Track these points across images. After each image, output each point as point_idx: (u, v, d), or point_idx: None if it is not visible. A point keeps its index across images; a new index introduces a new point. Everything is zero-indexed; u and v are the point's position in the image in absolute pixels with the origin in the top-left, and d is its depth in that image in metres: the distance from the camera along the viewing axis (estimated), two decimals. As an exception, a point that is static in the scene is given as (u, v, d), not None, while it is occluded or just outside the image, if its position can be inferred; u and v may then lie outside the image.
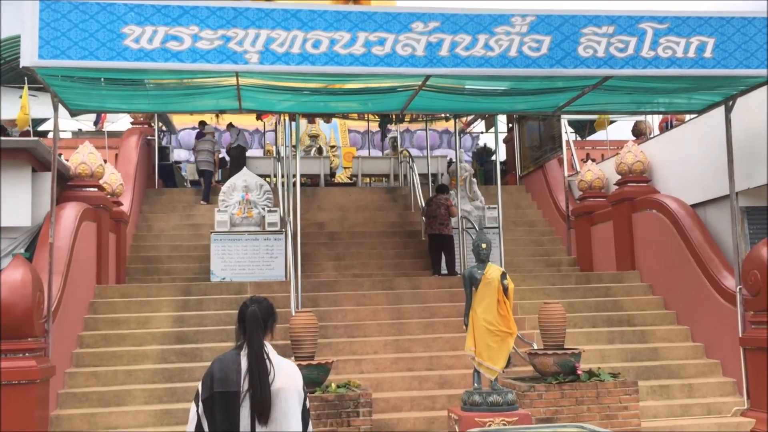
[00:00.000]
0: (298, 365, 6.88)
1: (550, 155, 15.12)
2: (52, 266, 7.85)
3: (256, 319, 3.39)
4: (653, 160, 11.62)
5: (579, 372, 7.30)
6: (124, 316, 9.65)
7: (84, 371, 8.57)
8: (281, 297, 10.15)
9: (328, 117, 20.71)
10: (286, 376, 3.33)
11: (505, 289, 6.14)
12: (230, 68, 7.04)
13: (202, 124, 16.55)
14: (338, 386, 7.39)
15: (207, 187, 14.76)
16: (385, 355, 9.17)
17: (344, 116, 22.70)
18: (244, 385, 3.22)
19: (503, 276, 6.18)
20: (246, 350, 3.31)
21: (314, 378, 7.09)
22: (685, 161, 10.79)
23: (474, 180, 13.60)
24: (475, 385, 6.19)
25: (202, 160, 15.12)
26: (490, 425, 5.67)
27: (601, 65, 7.63)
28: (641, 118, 17.72)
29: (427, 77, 7.75)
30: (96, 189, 10.50)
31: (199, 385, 3.36)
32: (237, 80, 7.70)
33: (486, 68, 7.38)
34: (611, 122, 17.41)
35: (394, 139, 19.57)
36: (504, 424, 5.70)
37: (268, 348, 3.42)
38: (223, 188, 12.54)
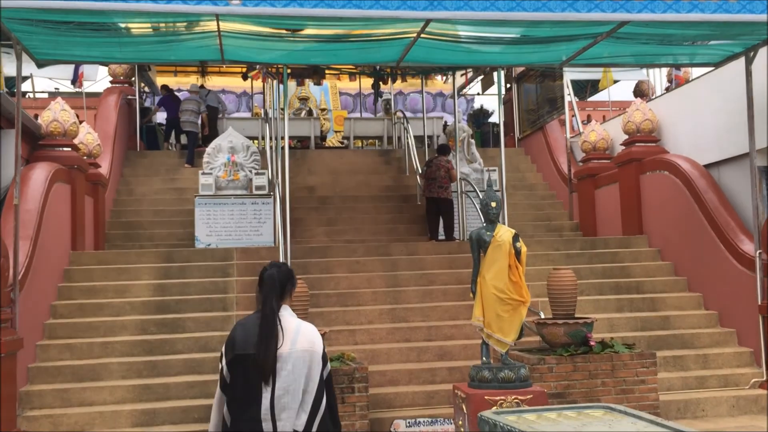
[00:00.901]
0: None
1: (547, 118, 14.46)
2: (17, 230, 7.19)
3: (273, 282, 3.43)
4: (662, 119, 10.99)
5: (592, 343, 6.74)
6: (102, 284, 9.01)
7: (57, 344, 7.96)
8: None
9: (318, 78, 19.93)
10: (303, 340, 3.34)
11: (518, 253, 5.53)
12: (209, 10, 6.29)
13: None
14: (331, 359, 6.81)
15: (191, 149, 14.06)
16: (381, 325, 8.60)
17: (338, 75, 21.97)
18: (257, 348, 3.27)
19: (515, 238, 5.57)
20: (261, 314, 3.36)
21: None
22: (698, 119, 10.16)
23: (472, 141, 12.95)
24: (484, 359, 5.61)
25: (186, 120, 14.39)
26: (501, 404, 5.11)
27: (617, 9, 6.93)
28: (644, 77, 17.03)
29: (427, 22, 7.07)
30: (70, 149, 9.79)
31: (223, 348, 3.43)
32: (218, 25, 6.98)
33: (492, 12, 6.67)
34: (615, 82, 16.73)
35: (387, 101, 18.83)
36: (517, 403, 5.15)
37: (287, 311, 3.45)
38: (208, 149, 11.84)
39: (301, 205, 12.71)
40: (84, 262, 9.44)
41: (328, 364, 3.49)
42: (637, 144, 10.89)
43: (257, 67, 12.75)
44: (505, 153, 15.43)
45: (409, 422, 7.06)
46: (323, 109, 21.73)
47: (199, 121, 14.60)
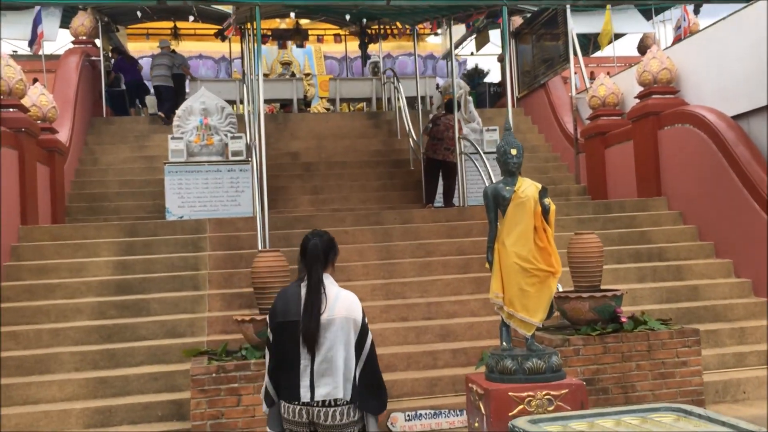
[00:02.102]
0: (262, 320, 5.23)
1: (549, 74, 13.35)
2: (-58, 200, 6.07)
3: (317, 251, 3.46)
4: (681, 68, 9.90)
5: (623, 319, 5.72)
6: (54, 262, 7.91)
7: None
8: (247, 236, 8.47)
9: (300, 39, 18.73)
10: (342, 308, 3.36)
11: (546, 212, 4.46)
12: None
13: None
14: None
15: (167, 106, 12.90)
16: (374, 303, 7.56)
17: (322, 37, 20.73)
18: (302, 315, 3.31)
19: (542, 193, 4.48)
20: (305, 282, 3.39)
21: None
22: (722, 66, 9.08)
23: (470, 99, 11.83)
24: (504, 344, 4.56)
25: (158, 75, 13.22)
26: (530, 401, 4.07)
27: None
28: (650, 28, 15.91)
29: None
30: (16, 109, 8.60)
31: (268, 317, 3.50)
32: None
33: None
34: (619, 36, 15.62)
35: (375, 64, 17.63)
36: (549, 400, 4.11)
37: (329, 280, 3.48)
38: (178, 112, 10.67)
39: (283, 173, 11.64)
40: (35, 237, 8.31)
41: (369, 334, 3.45)
42: (654, 96, 9.81)
43: (230, 19, 11.53)
44: (502, 114, 14.45)
45: (408, 415, 6.06)
46: (307, 74, 20.54)
47: (170, 74, 13.44)
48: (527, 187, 4.53)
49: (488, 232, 4.64)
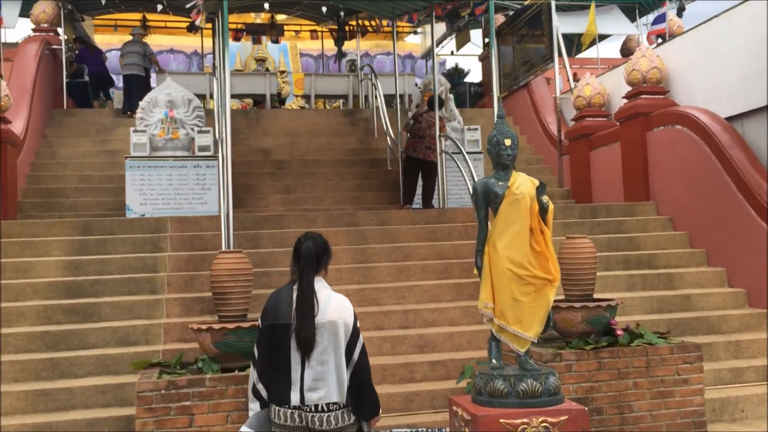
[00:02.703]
0: (221, 329, 4.66)
1: (525, 79, 12.92)
2: None
3: (310, 255, 3.42)
4: (672, 67, 9.50)
5: (618, 332, 5.23)
6: (-1, 262, 7.25)
7: (-68, 338, 6.21)
8: (211, 236, 7.87)
9: (275, 34, 18.13)
10: (333, 311, 3.33)
11: (543, 211, 3.95)
12: None
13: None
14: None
15: (137, 96, 12.22)
16: (347, 310, 6.98)
17: (298, 33, 20.16)
18: (293, 318, 3.28)
19: (540, 189, 3.97)
20: (297, 285, 3.36)
21: (246, 347, 4.88)
22: (716, 65, 8.68)
23: (451, 96, 11.34)
24: (494, 361, 4.02)
25: (130, 64, 12.54)
26: (524, 429, 3.53)
27: None
28: (634, 30, 15.58)
29: None
30: (-39, 96, 7.93)
31: (259, 317, 3.43)
32: None
33: None
34: (603, 37, 15.26)
35: (352, 62, 17.10)
36: (546, 428, 3.58)
37: (321, 283, 3.44)
38: (142, 104, 10.04)
39: (253, 170, 11.07)
40: (-21, 234, 7.64)
41: (360, 338, 3.41)
42: (642, 96, 9.39)
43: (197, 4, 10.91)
44: (483, 114, 14.00)
45: (382, 434, 5.50)
46: (282, 72, 19.96)
47: (142, 63, 12.77)
48: (522, 183, 4.02)
49: (477, 234, 4.12)
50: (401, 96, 13.43)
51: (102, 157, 11.12)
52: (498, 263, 3.96)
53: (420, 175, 9.93)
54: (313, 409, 3.20)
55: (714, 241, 8.15)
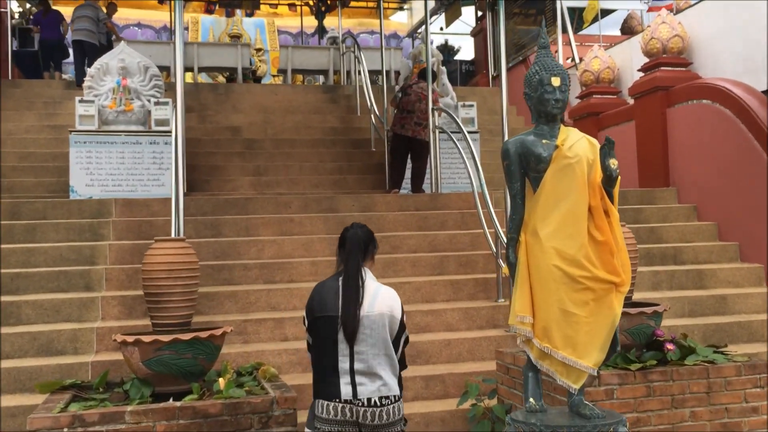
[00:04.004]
0: (152, 342, 3.46)
1: (525, 53, 11.78)
2: None
3: (358, 241, 3.34)
4: (695, 36, 8.38)
5: (669, 347, 4.09)
6: None
7: None
8: (163, 221, 6.64)
9: (250, 5, 16.83)
10: (383, 304, 3.22)
11: (609, 181, 2.75)
12: None
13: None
14: (237, 377, 4.03)
15: (89, 64, 10.93)
16: (323, 312, 5.81)
17: (275, 6, 18.87)
18: (341, 309, 3.16)
19: (606, 150, 2.75)
20: (343, 275, 3.26)
21: (186, 366, 3.69)
22: (748, 32, 7.58)
23: (443, 69, 10.14)
24: (531, 401, 2.83)
25: (81, 29, 11.19)
26: None
27: None
28: (639, 6, 14.48)
29: None
30: None
31: (305, 311, 3.33)
32: None
33: None
34: (606, 12, 14.17)
35: (334, 39, 15.85)
36: None
37: (368, 274, 3.35)
38: (91, 71, 8.76)
39: (221, 150, 9.84)
40: None
41: (407, 332, 3.34)
42: (662, 68, 8.26)
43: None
44: (476, 93, 12.84)
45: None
46: (259, 49, 18.68)
47: (94, 29, 11.42)
48: (577, 141, 2.85)
49: (510, 215, 2.95)
50: (387, 72, 12.22)
51: (48, 132, 9.82)
52: (541, 258, 2.79)
53: (409, 155, 8.73)
54: (365, 403, 3.08)
55: (748, 233, 7.06)
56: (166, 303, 3.87)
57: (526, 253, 2.88)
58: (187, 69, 12.66)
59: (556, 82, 2.84)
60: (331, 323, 3.15)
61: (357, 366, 3.11)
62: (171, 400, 3.54)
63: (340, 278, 3.26)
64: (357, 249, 3.30)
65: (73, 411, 3.33)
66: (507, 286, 6.08)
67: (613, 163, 2.75)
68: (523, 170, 2.88)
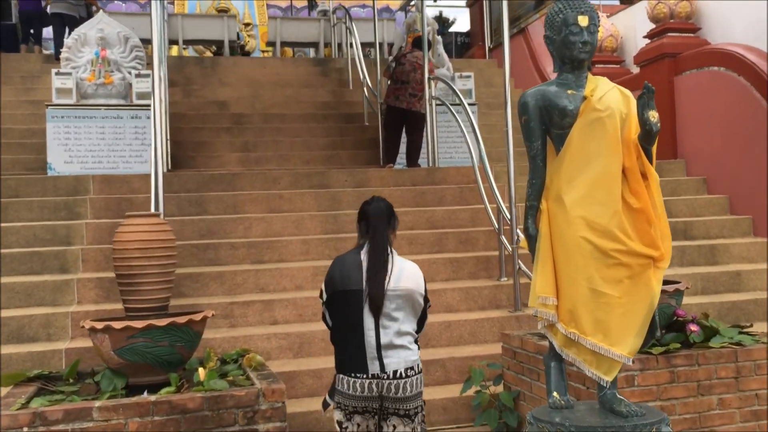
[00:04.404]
0: (124, 328, 3.10)
1: (521, 23, 11.34)
2: None
3: (381, 213, 3.25)
4: (703, 2, 7.98)
5: (692, 328, 3.74)
6: None
7: None
8: (144, 199, 6.25)
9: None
10: (409, 279, 3.14)
11: (648, 137, 2.35)
12: None
13: None
14: (220, 365, 3.67)
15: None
16: (314, 293, 5.46)
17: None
18: (366, 283, 3.07)
19: (644, 102, 2.33)
20: (367, 247, 3.16)
21: (163, 355, 3.32)
22: (762, -5, 7.19)
23: (439, 39, 9.70)
24: (555, 395, 2.47)
25: (60, 1, 10.68)
26: None
27: None
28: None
29: None
30: None
31: (322, 285, 3.24)
32: None
33: None
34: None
35: (324, 12, 15.35)
36: None
37: (391, 247, 3.25)
38: (68, 41, 8.31)
39: (207, 125, 9.41)
40: None
41: (428, 303, 3.26)
42: (669, 34, 7.87)
43: None
44: (472, 65, 12.39)
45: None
46: (247, 24, 18.19)
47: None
48: (609, 92, 2.47)
49: (529, 179, 2.57)
50: (380, 45, 11.76)
51: (25, 108, 9.37)
52: (566, 230, 2.41)
53: (404, 129, 8.33)
54: (391, 375, 3.01)
55: (761, 207, 6.72)
56: (140, 285, 3.49)
57: (548, 224, 2.50)
58: (172, 42, 12.21)
59: (583, 21, 2.46)
60: (356, 298, 3.06)
61: (383, 340, 3.03)
62: (146, 393, 3.17)
63: (362, 252, 3.15)
64: (382, 221, 3.19)
65: (35, 408, 2.96)
66: (510, 263, 5.73)
67: (653, 115, 2.36)
68: (545, 127, 2.50)
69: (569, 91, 2.49)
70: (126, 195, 6.36)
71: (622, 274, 2.42)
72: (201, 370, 3.25)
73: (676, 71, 7.74)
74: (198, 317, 3.40)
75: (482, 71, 11.88)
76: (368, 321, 3.04)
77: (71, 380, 3.64)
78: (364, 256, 3.14)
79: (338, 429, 3.12)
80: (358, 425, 3.07)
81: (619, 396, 2.51)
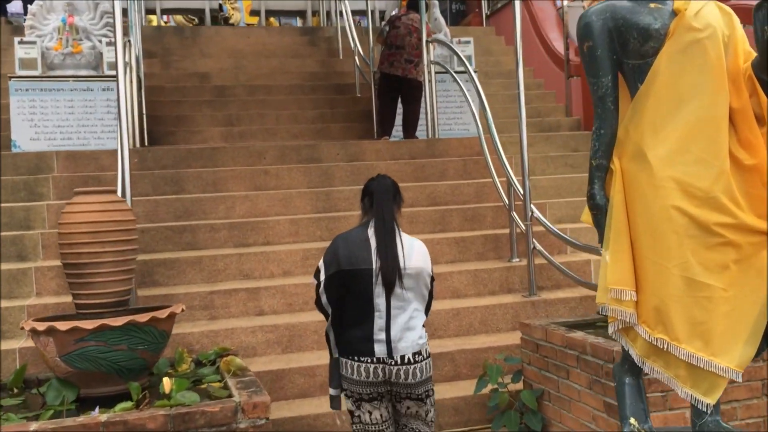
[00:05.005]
0: (72, 329, 2.49)
1: None
2: None
3: (387, 188, 3.09)
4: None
5: None
6: None
7: None
8: (113, 176, 5.56)
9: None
10: (418, 258, 2.97)
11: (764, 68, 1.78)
12: None
13: None
14: (195, 367, 3.09)
15: None
16: (305, 279, 4.88)
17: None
18: (376, 261, 2.87)
19: (764, 14, 1.77)
20: (374, 224, 2.98)
21: (120, 361, 2.73)
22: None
23: (435, 2, 9.04)
24: (633, 422, 1.83)
25: None
26: None
27: None
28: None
29: None
30: None
31: (320, 263, 2.97)
32: None
33: None
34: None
35: (312, -19, 14.60)
36: None
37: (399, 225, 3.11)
38: (32, 8, 7.62)
39: (188, 98, 8.76)
40: None
41: (434, 283, 3.09)
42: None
43: None
44: (469, 33, 11.75)
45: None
46: (231, -4, 17.42)
47: None
48: (705, 5, 1.85)
49: (594, 130, 1.95)
50: (372, 12, 11.07)
51: (-11, 82, 8.67)
52: (651, 197, 1.79)
53: (400, 98, 7.69)
54: (399, 361, 2.84)
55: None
56: (92, 277, 2.88)
57: (623, 190, 1.89)
58: (150, 12, 11.52)
59: None
60: (365, 277, 2.87)
61: (393, 322, 2.87)
62: (97, 409, 2.57)
63: (369, 229, 2.97)
64: (388, 198, 3.03)
65: (-46, 432, 2.36)
66: (522, 242, 5.16)
67: (777, 34, 1.75)
68: (616, 56, 1.88)
69: (652, 5, 1.86)
70: (93, 173, 5.74)
71: (729, 257, 1.80)
72: (166, 380, 2.66)
73: (695, 31, 7.13)
74: (163, 314, 2.81)
75: (479, 39, 11.21)
76: (378, 302, 2.87)
77: (15, 390, 3.05)
78: (371, 232, 2.93)
79: (351, 419, 2.93)
80: (370, 413, 2.87)
81: (723, 424, 1.91)
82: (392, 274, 2.84)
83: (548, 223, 4.86)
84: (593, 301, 4.81)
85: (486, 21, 12.04)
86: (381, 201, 3.00)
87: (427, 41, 7.33)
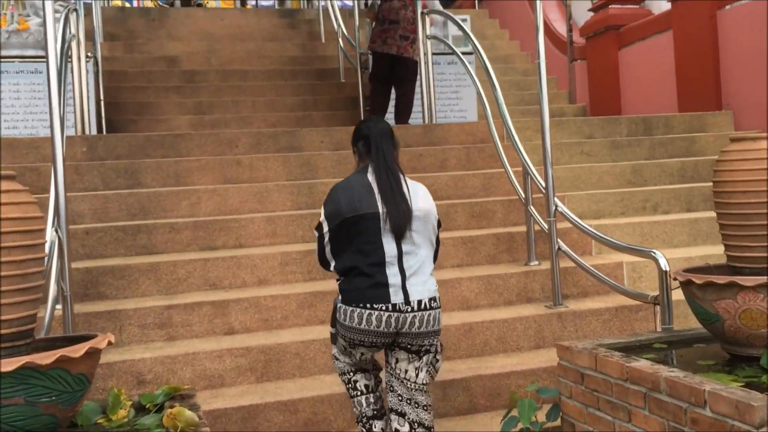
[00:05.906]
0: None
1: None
2: None
3: (385, 131, 2.92)
4: None
5: None
6: None
7: None
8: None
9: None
10: (424, 200, 2.84)
11: None
12: None
13: None
14: (135, 415, 2.25)
15: None
16: (285, 289, 4.03)
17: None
18: (382, 206, 2.73)
19: None
20: (374, 167, 2.82)
21: (15, 421, 1.87)
22: None
23: (427, -24, 8.22)
24: None
25: None
26: None
27: None
28: None
29: None
30: None
31: (321, 218, 2.82)
32: None
33: None
34: None
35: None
36: None
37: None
38: (-27, -21, 6.70)
39: (153, 84, 7.93)
40: None
41: (439, 224, 2.95)
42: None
43: None
44: (463, 15, 11.01)
45: None
46: (206, -18, 16.54)
47: None
48: None
49: None
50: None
51: (-71, 66, 7.72)
52: None
53: (393, 79, 6.84)
54: (415, 307, 2.68)
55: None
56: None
57: None
58: (114, -7, 10.59)
59: None
60: (373, 222, 2.73)
61: (407, 267, 2.73)
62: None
63: (368, 174, 2.82)
64: (387, 139, 2.87)
65: None
66: (541, 243, 4.37)
67: None
68: None
69: None
70: (33, 164, 4.86)
71: None
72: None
73: (720, 4, 6.38)
74: (78, 352, 1.96)
75: (472, 22, 10.41)
76: (389, 247, 2.72)
77: None
78: (371, 176, 2.79)
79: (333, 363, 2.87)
80: (362, 355, 2.79)
81: None
82: (402, 217, 2.70)
83: (578, 220, 4.05)
84: (631, 312, 4.03)
85: (479, 3, 11.26)
86: (381, 144, 2.84)
87: (422, 12, 6.51)
